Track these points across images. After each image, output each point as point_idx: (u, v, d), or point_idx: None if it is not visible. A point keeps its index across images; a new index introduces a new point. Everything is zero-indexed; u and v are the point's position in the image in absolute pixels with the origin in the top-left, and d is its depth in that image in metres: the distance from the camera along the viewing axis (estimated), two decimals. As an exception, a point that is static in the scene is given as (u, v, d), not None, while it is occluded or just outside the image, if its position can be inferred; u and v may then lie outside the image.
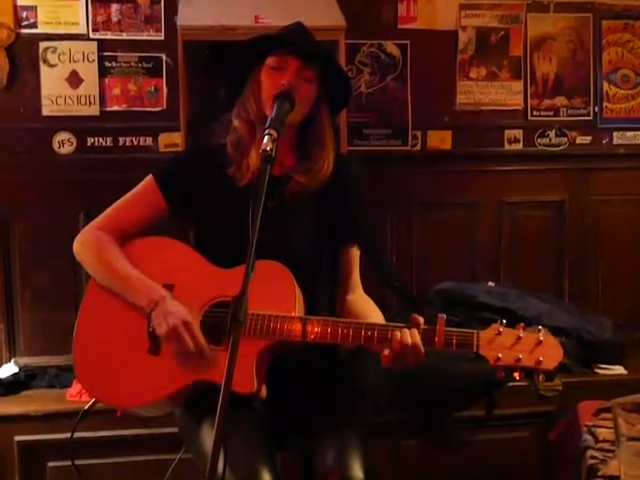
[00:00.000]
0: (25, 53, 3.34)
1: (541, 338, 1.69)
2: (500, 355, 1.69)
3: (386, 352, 1.76)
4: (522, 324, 1.73)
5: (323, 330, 1.78)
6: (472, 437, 2.96)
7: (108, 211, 2.06)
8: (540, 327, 1.72)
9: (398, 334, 1.74)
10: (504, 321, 1.73)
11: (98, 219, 2.06)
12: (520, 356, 1.68)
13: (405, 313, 1.81)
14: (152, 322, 1.86)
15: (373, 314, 2.01)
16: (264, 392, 1.82)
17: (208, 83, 3.28)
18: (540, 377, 1.69)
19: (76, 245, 2.04)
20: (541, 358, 1.67)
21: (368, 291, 2.12)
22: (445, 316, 1.73)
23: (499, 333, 1.71)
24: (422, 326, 1.75)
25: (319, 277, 2.04)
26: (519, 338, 1.70)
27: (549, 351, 1.69)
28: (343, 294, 2.08)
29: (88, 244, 2.02)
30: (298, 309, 1.84)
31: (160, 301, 1.86)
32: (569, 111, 3.76)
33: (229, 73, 2.07)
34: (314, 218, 2.01)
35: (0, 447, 2.90)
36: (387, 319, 1.86)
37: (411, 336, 1.73)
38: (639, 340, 3.52)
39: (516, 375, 1.69)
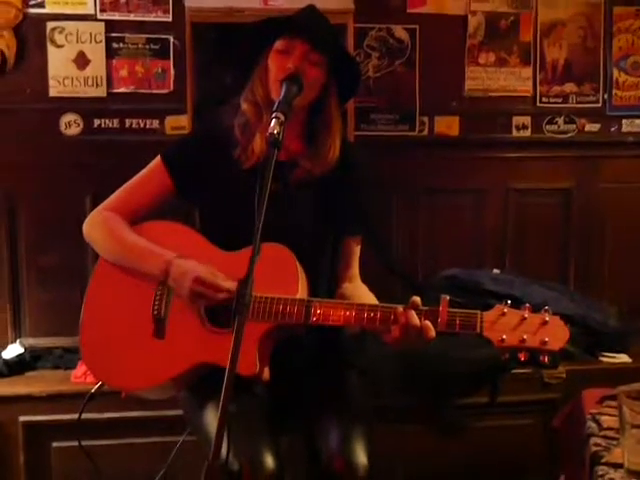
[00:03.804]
0: (32, 33, 3.31)
1: (547, 318, 1.66)
2: (504, 336, 1.66)
3: (391, 331, 1.75)
4: (528, 305, 1.69)
5: (326, 312, 1.78)
6: (474, 423, 2.97)
7: (117, 193, 2.08)
8: (547, 307, 1.69)
9: (402, 314, 1.73)
10: (509, 302, 1.70)
11: (107, 201, 2.08)
12: (525, 336, 1.65)
13: (408, 300, 1.80)
14: (171, 287, 1.88)
15: (364, 296, 1.99)
16: (267, 375, 1.83)
17: (216, 65, 3.28)
18: (546, 358, 1.65)
19: (85, 227, 2.06)
20: (546, 339, 1.64)
21: (373, 278, 2.12)
22: (448, 297, 1.71)
23: (503, 314, 1.69)
24: (421, 307, 1.73)
25: (320, 262, 2.04)
26: (524, 318, 1.67)
27: (555, 331, 1.66)
28: (340, 283, 2.08)
29: (97, 224, 2.04)
30: (301, 291, 1.84)
31: (169, 266, 1.87)
32: (578, 98, 3.73)
33: (238, 56, 2.07)
34: (318, 204, 2.02)
35: (5, 427, 2.92)
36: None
37: (408, 317, 1.72)
38: (644, 328, 3.51)
39: (521, 356, 1.66)
